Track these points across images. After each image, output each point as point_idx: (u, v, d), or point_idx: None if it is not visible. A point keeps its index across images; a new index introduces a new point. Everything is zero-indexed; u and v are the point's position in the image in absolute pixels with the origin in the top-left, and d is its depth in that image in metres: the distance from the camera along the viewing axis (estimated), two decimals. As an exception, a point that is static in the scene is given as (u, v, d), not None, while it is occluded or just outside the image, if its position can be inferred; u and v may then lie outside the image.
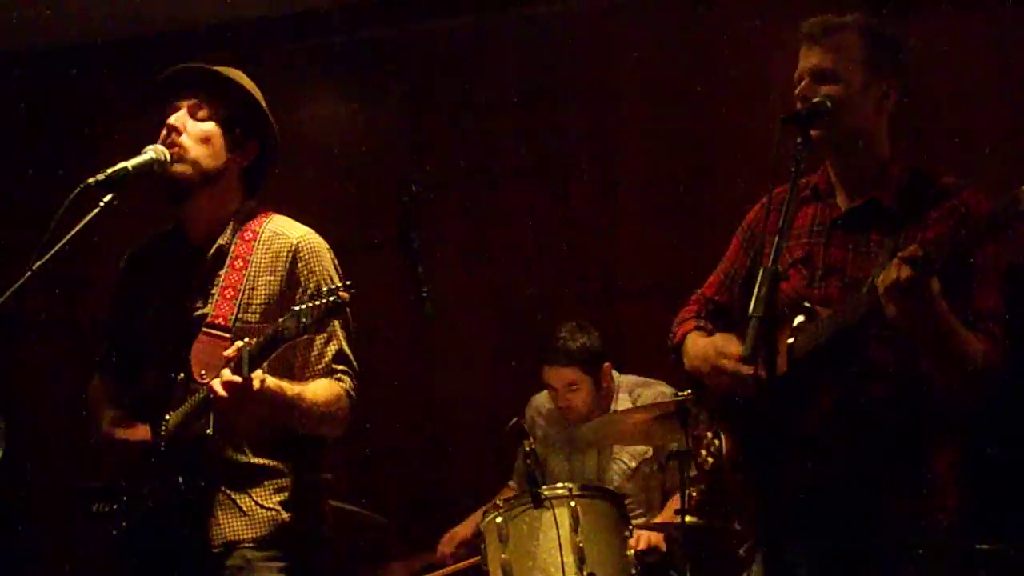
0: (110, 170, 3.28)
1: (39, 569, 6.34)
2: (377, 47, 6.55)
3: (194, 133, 3.46)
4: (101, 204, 3.25)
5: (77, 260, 3.34)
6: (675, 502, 4.89)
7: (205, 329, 3.39)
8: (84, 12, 6.39)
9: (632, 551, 4.52)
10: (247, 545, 3.36)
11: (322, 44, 6.63)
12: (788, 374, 2.97)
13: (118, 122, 6.29)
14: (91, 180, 3.24)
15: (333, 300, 3.03)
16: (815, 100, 3.08)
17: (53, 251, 3.14)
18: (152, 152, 3.39)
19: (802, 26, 3.22)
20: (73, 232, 3.18)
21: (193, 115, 3.48)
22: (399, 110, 6.54)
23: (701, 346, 3.37)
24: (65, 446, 6.34)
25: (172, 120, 3.47)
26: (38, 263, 3.12)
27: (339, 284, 3.08)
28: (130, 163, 3.33)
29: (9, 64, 6.75)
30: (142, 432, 3.42)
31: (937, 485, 3.08)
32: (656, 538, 5.01)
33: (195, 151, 3.44)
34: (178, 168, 3.43)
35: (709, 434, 3.34)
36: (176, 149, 3.42)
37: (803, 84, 3.15)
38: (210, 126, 3.48)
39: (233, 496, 3.38)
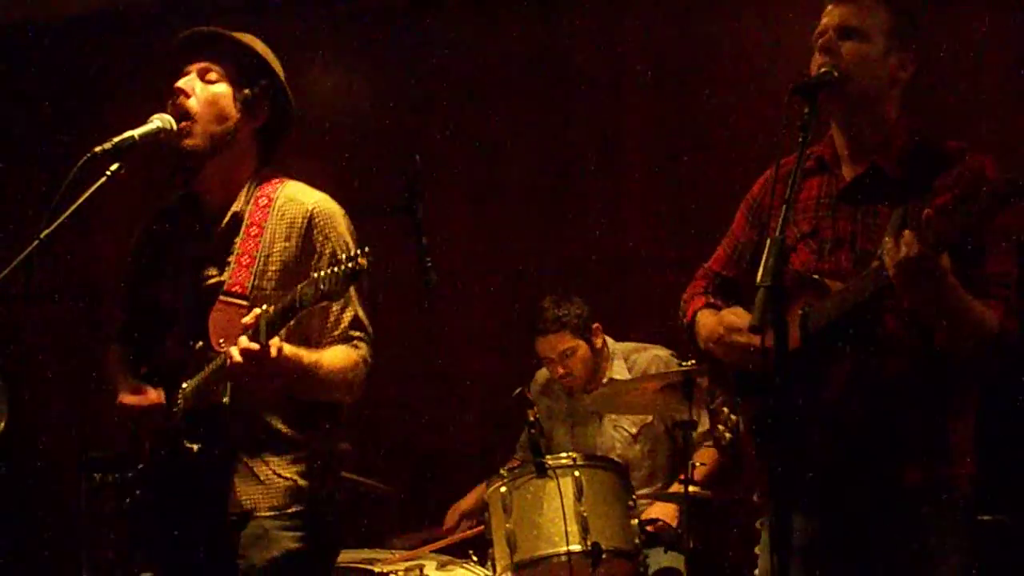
0: (117, 139, 3.25)
1: (45, 539, 6.36)
2: (382, 16, 6.53)
3: (202, 96, 3.43)
4: (108, 173, 3.21)
5: (81, 229, 3.33)
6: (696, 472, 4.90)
7: (222, 297, 3.37)
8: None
9: (636, 520, 4.53)
10: (264, 514, 3.35)
11: (327, 12, 6.60)
12: (802, 348, 2.96)
13: (123, 90, 6.28)
14: (98, 149, 3.21)
15: (353, 266, 3.00)
16: (823, 70, 3.06)
17: (60, 220, 3.11)
18: (159, 121, 3.36)
19: None
20: (79, 201, 3.15)
21: (202, 77, 3.46)
22: (404, 80, 6.51)
23: (711, 324, 3.36)
24: (70, 416, 6.39)
25: (180, 83, 3.44)
26: (45, 232, 3.08)
27: (357, 251, 3.05)
28: (137, 132, 3.31)
29: (13, 35, 6.74)
30: (154, 396, 3.40)
31: (954, 456, 3.08)
32: (668, 513, 5.03)
33: (204, 114, 3.42)
34: (188, 142, 3.40)
35: (726, 409, 3.33)
36: (185, 124, 3.39)
37: (826, 37, 3.11)
38: (220, 87, 3.45)
39: (250, 464, 3.37)
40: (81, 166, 3.17)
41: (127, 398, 3.44)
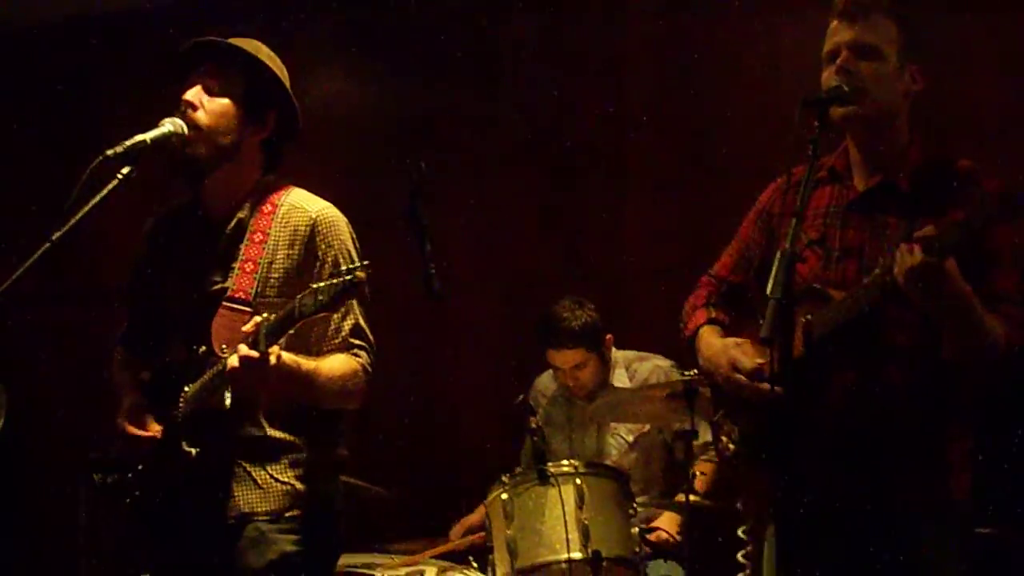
0: (128, 142, 3.28)
1: (44, 540, 6.36)
2: (385, 24, 6.54)
3: (210, 108, 3.44)
4: (119, 176, 3.25)
5: (87, 232, 3.34)
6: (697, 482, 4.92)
7: (225, 303, 3.40)
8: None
9: (636, 529, 4.54)
10: (261, 518, 3.39)
11: (329, 20, 6.61)
12: (803, 358, 2.98)
13: (127, 94, 6.29)
14: (109, 152, 3.24)
15: (350, 279, 3.03)
16: (833, 85, 3.07)
17: (72, 223, 3.14)
18: (170, 125, 3.38)
19: (835, 2, 3.19)
20: (91, 204, 3.18)
21: (209, 90, 3.47)
22: (407, 88, 6.53)
23: (716, 350, 3.35)
24: (72, 418, 6.38)
25: (188, 96, 3.46)
26: (57, 235, 3.11)
27: (357, 262, 3.08)
28: (148, 135, 3.33)
29: (16, 39, 6.76)
30: (153, 429, 3.45)
31: (953, 469, 3.10)
32: (672, 523, 5.05)
33: (211, 127, 3.43)
34: (192, 150, 3.42)
35: (729, 421, 3.34)
36: (192, 132, 3.40)
37: (843, 56, 3.11)
38: (226, 101, 3.47)
39: (249, 469, 3.41)
40: (93, 169, 3.20)
41: (129, 427, 3.48)
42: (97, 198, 3.20)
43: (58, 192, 3.23)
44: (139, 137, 3.31)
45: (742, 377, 3.21)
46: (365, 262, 3.10)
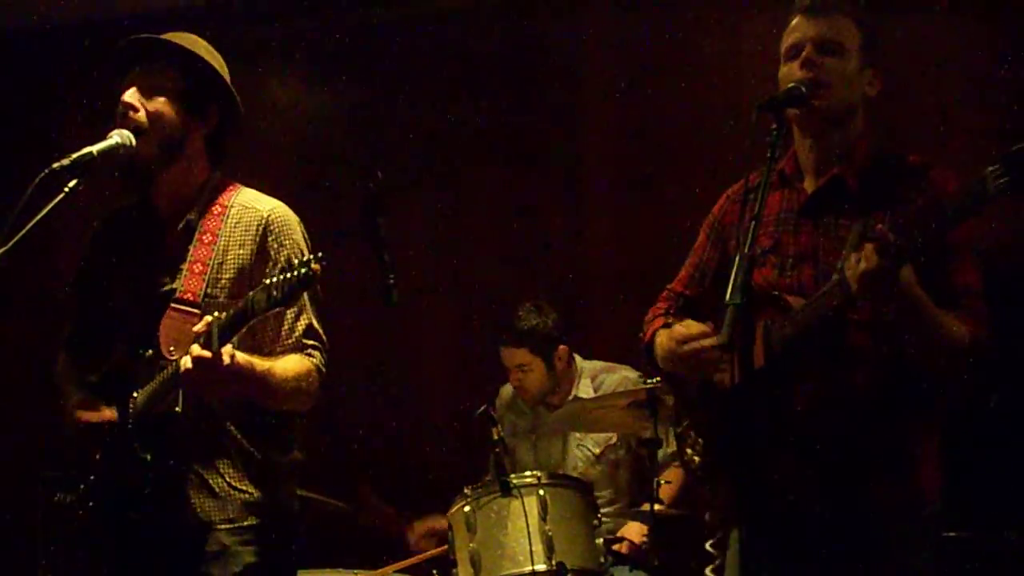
0: (75, 155, 3.23)
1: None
2: (342, 33, 6.51)
3: (149, 108, 3.40)
4: (66, 189, 3.19)
5: (38, 244, 3.29)
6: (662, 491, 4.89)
7: (174, 305, 3.35)
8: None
9: (601, 540, 4.51)
10: (221, 527, 3.34)
11: (286, 30, 6.58)
12: (765, 366, 2.95)
13: (79, 105, 6.22)
14: (56, 165, 3.19)
15: (304, 273, 2.98)
16: (793, 82, 3.06)
17: (18, 237, 3.08)
18: (118, 137, 3.34)
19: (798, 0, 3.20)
20: (38, 218, 3.12)
21: (146, 88, 3.42)
22: (364, 97, 6.49)
23: (665, 338, 3.33)
24: (26, 434, 6.30)
25: (125, 97, 3.41)
26: (3, 250, 3.07)
27: (309, 256, 3.03)
28: (95, 148, 3.28)
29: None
30: (108, 414, 3.39)
31: (922, 469, 3.08)
32: (639, 531, 5.01)
33: (152, 126, 3.38)
34: (142, 150, 3.37)
35: (693, 432, 3.32)
36: (138, 135, 3.36)
37: (808, 50, 3.11)
38: (164, 97, 3.42)
39: (205, 476, 3.36)
40: (39, 182, 3.15)
41: (81, 415, 3.43)
42: (44, 212, 3.15)
43: (3, 206, 3.18)
44: (86, 149, 3.26)
45: (690, 345, 3.17)
46: (319, 254, 3.04)
